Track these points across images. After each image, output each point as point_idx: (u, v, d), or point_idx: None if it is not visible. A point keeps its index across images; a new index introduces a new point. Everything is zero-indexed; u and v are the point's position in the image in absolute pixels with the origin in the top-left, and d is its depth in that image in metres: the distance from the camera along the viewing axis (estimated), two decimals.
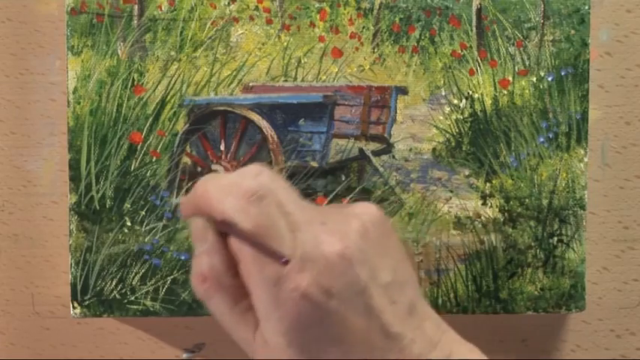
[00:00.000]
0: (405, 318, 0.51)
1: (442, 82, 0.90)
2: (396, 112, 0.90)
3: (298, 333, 0.50)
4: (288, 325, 0.50)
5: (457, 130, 0.90)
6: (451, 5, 0.90)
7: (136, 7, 0.89)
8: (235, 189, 0.51)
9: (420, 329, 0.52)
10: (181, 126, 0.89)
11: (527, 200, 0.90)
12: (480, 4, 0.90)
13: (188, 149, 0.90)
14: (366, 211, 0.53)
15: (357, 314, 0.50)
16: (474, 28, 0.90)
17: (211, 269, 0.53)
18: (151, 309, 0.89)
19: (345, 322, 0.50)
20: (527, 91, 0.90)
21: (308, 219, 0.51)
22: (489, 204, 0.90)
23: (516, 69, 0.90)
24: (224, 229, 0.52)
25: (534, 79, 0.90)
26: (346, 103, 0.91)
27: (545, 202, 0.90)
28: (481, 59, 0.90)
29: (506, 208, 0.90)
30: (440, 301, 0.89)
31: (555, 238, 0.90)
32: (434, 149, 0.90)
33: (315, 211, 0.52)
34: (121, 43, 0.89)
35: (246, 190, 0.51)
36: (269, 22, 0.90)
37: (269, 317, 0.51)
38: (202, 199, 0.52)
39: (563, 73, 0.89)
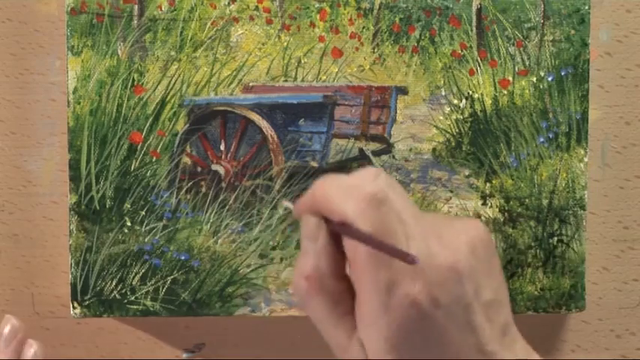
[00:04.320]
0: (499, 337, 0.53)
1: (442, 82, 0.90)
2: (396, 112, 0.90)
3: (401, 339, 0.51)
4: (394, 330, 0.51)
5: (457, 130, 0.90)
6: (451, 5, 0.90)
7: (136, 7, 0.89)
8: (356, 192, 0.52)
9: (511, 350, 0.53)
10: (181, 126, 0.89)
11: (527, 200, 0.90)
12: (480, 4, 0.90)
13: (188, 149, 0.90)
14: (476, 228, 0.54)
15: (457, 328, 0.51)
16: (474, 28, 0.90)
17: (317, 270, 0.54)
18: (151, 309, 0.89)
19: (445, 334, 0.51)
20: (527, 91, 0.90)
21: (422, 229, 0.52)
22: (489, 204, 0.90)
23: (516, 69, 0.90)
24: (340, 231, 0.53)
25: (534, 79, 0.90)
26: (346, 103, 0.91)
27: (545, 202, 0.90)
28: (481, 59, 0.90)
29: (506, 208, 0.90)
30: None
31: (555, 238, 0.90)
32: (434, 149, 0.90)
33: (428, 221, 0.54)
34: (121, 43, 0.89)
35: (367, 193, 0.51)
36: (269, 22, 0.90)
37: (375, 321, 0.51)
38: (322, 200, 0.53)
39: (563, 73, 0.89)
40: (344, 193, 0.52)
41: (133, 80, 0.89)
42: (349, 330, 0.54)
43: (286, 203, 0.83)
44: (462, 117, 0.90)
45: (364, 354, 0.53)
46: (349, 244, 0.52)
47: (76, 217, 0.88)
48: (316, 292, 0.54)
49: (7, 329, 0.75)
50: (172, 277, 0.89)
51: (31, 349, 0.76)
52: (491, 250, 0.54)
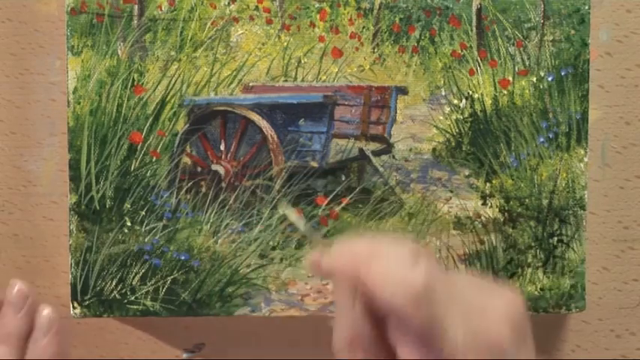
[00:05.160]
0: None
1: (442, 82, 0.90)
2: (396, 112, 0.90)
3: None
4: None
5: (457, 130, 0.90)
6: (451, 5, 0.90)
7: (136, 7, 0.89)
8: (404, 283, 0.50)
9: None
10: (181, 126, 0.89)
11: (527, 200, 0.90)
12: (480, 4, 0.90)
13: (188, 149, 0.90)
14: (515, 302, 0.54)
15: None
16: (474, 28, 0.90)
17: (360, 334, 0.53)
18: (151, 309, 0.89)
19: None
20: (527, 91, 0.90)
21: (466, 309, 0.52)
22: (489, 204, 0.90)
23: (516, 69, 0.90)
24: (383, 313, 0.52)
25: (534, 79, 0.90)
26: (346, 103, 0.91)
27: (545, 202, 0.90)
28: (481, 59, 0.90)
29: (506, 208, 0.90)
30: None
31: (555, 238, 0.90)
32: (434, 149, 0.90)
33: (466, 292, 0.53)
34: (121, 43, 0.89)
35: (415, 287, 0.50)
36: (269, 22, 0.90)
37: None
38: (365, 275, 0.51)
39: (563, 73, 0.89)
40: (390, 280, 0.50)
41: (133, 80, 0.89)
42: None
43: (286, 209, 0.81)
44: (462, 117, 0.90)
45: None
46: (391, 332, 0.52)
47: (76, 217, 0.88)
48: (360, 354, 0.54)
49: (14, 293, 0.67)
50: (172, 277, 0.89)
51: (44, 312, 0.71)
52: (527, 324, 0.54)
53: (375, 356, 0.53)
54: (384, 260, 0.52)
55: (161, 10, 0.89)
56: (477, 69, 0.90)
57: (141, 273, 0.88)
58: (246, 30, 0.90)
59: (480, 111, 0.90)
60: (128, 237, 0.88)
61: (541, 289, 0.90)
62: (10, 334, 0.65)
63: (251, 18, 0.89)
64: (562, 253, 0.90)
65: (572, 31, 0.89)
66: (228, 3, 0.89)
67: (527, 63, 0.89)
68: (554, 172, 0.90)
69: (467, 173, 0.90)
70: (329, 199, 0.90)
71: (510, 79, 0.90)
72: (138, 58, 0.89)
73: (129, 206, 0.88)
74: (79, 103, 0.88)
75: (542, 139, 0.89)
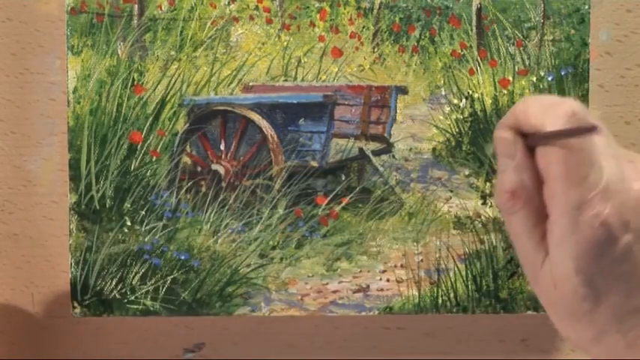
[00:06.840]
0: None
1: (442, 81, 0.90)
2: (396, 112, 0.90)
3: (589, 261, 0.52)
4: (581, 250, 0.52)
5: (457, 130, 0.90)
6: (451, 5, 0.90)
7: (136, 6, 0.89)
8: (556, 108, 0.53)
9: None
10: (181, 126, 0.89)
11: None
12: (480, 3, 0.90)
13: (188, 149, 0.90)
14: None
15: None
16: (474, 28, 0.90)
17: (521, 184, 0.54)
18: (151, 309, 0.89)
19: (634, 261, 0.51)
20: (527, 91, 0.90)
21: (616, 154, 0.53)
22: (489, 203, 0.90)
23: (516, 69, 0.90)
24: (535, 142, 0.53)
25: (534, 78, 0.90)
26: (346, 102, 0.91)
27: None
28: (481, 59, 0.90)
29: None
30: (440, 300, 0.89)
31: None
32: (434, 149, 0.90)
33: (621, 149, 0.55)
34: (121, 43, 0.89)
35: (568, 109, 0.52)
36: (269, 21, 0.90)
37: (563, 240, 0.52)
38: (521, 114, 0.54)
39: (563, 73, 0.89)
40: (544, 109, 0.53)
41: (133, 80, 0.89)
42: (543, 253, 0.54)
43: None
44: (462, 116, 0.90)
45: (554, 282, 0.53)
46: (543, 161, 0.53)
47: (76, 217, 0.88)
48: (521, 206, 0.55)
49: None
50: (172, 276, 0.89)
51: None
52: None
53: (536, 208, 0.54)
54: (542, 99, 0.54)
55: (161, 9, 0.89)
56: (476, 69, 0.90)
57: (141, 273, 0.88)
58: (246, 30, 0.90)
59: (480, 110, 0.90)
60: (128, 237, 0.88)
61: None
62: None
63: (251, 18, 0.89)
64: None
65: (572, 31, 0.89)
66: (228, 3, 0.89)
67: (527, 63, 0.90)
68: None
69: (467, 173, 0.90)
70: (329, 198, 0.90)
71: (510, 78, 0.90)
72: (138, 58, 0.89)
73: (129, 206, 0.88)
74: (79, 103, 0.88)
75: None
